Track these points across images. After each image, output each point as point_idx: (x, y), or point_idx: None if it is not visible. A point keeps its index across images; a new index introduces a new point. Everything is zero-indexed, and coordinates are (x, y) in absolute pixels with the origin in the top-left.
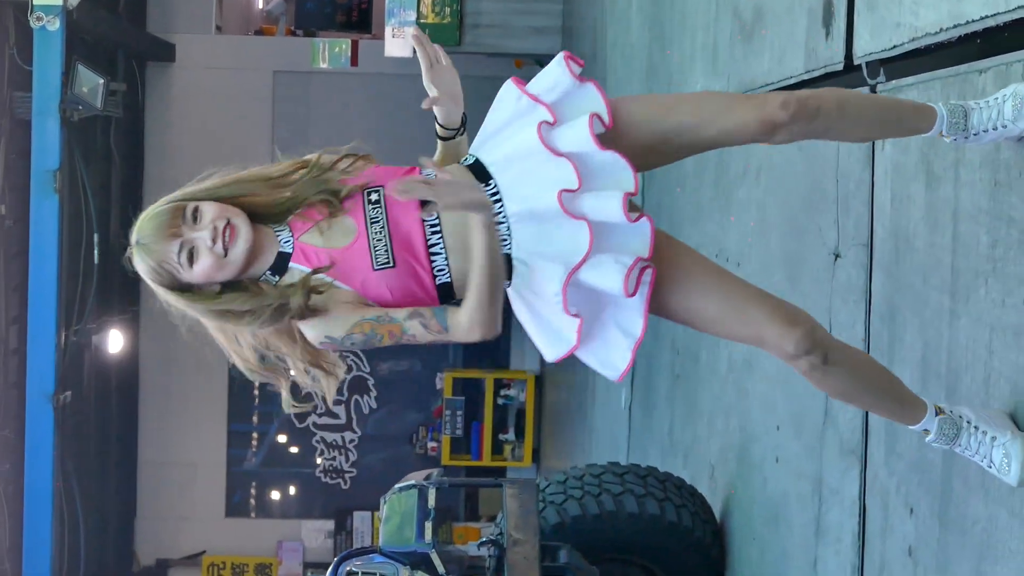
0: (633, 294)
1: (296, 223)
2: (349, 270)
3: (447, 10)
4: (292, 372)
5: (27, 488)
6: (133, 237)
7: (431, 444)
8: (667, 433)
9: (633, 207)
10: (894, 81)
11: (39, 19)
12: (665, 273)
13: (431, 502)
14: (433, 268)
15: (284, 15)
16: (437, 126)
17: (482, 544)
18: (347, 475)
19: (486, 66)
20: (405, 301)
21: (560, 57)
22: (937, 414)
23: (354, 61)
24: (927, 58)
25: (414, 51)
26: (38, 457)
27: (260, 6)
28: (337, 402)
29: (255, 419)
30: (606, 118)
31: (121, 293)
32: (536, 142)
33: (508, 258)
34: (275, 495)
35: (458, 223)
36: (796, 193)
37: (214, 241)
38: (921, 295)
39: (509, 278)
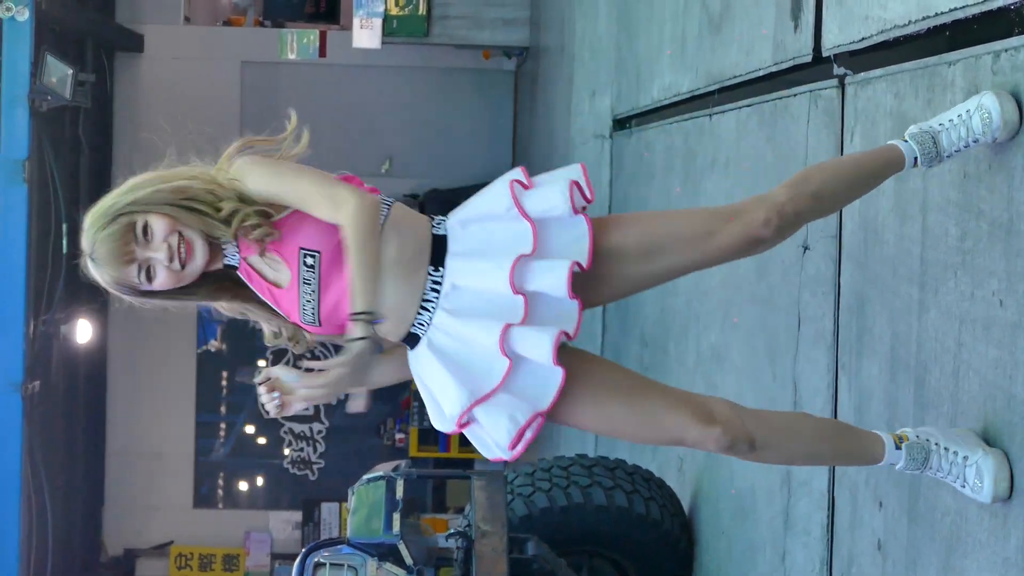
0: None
1: (243, 242)
2: (285, 308)
3: (415, 2)
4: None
5: None
6: (86, 248)
7: (399, 435)
8: None
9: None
10: (862, 74)
11: (8, 9)
12: (577, 389)
13: (399, 493)
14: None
15: (252, 6)
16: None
17: (450, 536)
18: (315, 466)
19: (454, 57)
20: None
21: (565, 187)
22: (898, 446)
23: (322, 52)
24: (895, 50)
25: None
26: (6, 447)
27: None
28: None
29: (223, 409)
30: (584, 262)
31: (90, 284)
32: (505, 281)
33: (415, 337)
34: (243, 486)
35: (390, 297)
36: (764, 184)
37: (171, 260)
38: (890, 287)
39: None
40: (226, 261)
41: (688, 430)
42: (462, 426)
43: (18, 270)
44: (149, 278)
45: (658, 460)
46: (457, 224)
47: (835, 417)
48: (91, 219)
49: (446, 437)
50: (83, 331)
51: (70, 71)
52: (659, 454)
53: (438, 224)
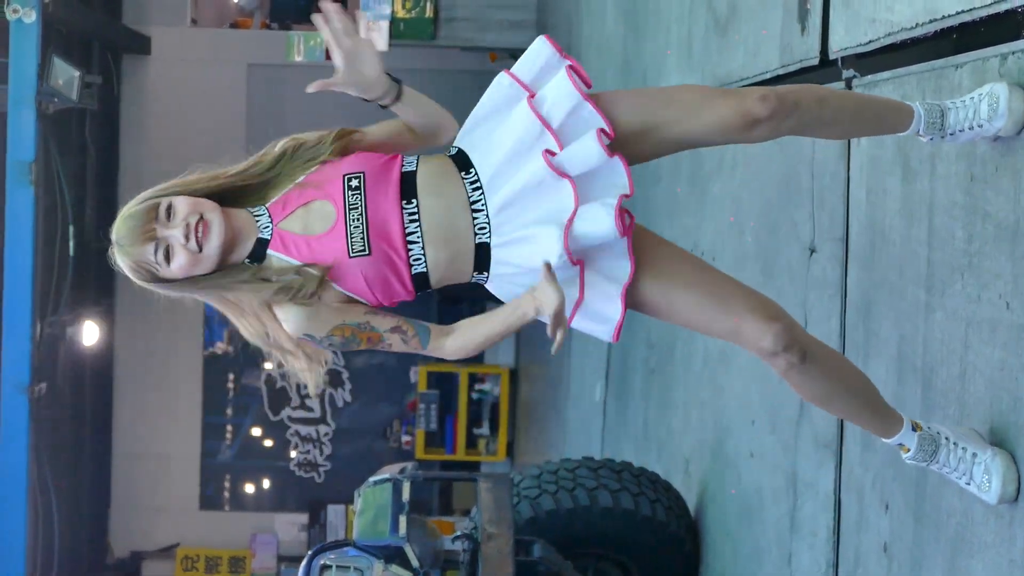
0: (625, 234)
1: (275, 208)
2: (326, 256)
3: (421, 4)
4: (276, 353)
5: (1, 479)
6: (113, 236)
7: (405, 438)
8: (641, 427)
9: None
10: (869, 76)
11: (15, 11)
12: (645, 262)
13: (405, 496)
14: (410, 257)
15: (259, 8)
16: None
17: (456, 538)
18: (321, 468)
19: (461, 60)
20: (381, 291)
21: (564, 70)
22: (914, 430)
23: (329, 55)
24: (903, 53)
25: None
26: (12, 449)
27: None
28: (311, 395)
29: (229, 412)
30: (609, 132)
31: (96, 285)
32: (540, 164)
33: (486, 247)
34: (249, 488)
35: (437, 213)
36: (771, 187)
37: (187, 238)
38: (897, 289)
39: (485, 270)
40: (259, 235)
41: (750, 320)
42: (576, 262)
43: (25, 272)
44: (167, 259)
45: (664, 462)
46: (466, 135)
47: (842, 420)
48: (124, 208)
49: (453, 440)
50: (90, 333)
51: (77, 73)
52: (665, 456)
53: (448, 150)
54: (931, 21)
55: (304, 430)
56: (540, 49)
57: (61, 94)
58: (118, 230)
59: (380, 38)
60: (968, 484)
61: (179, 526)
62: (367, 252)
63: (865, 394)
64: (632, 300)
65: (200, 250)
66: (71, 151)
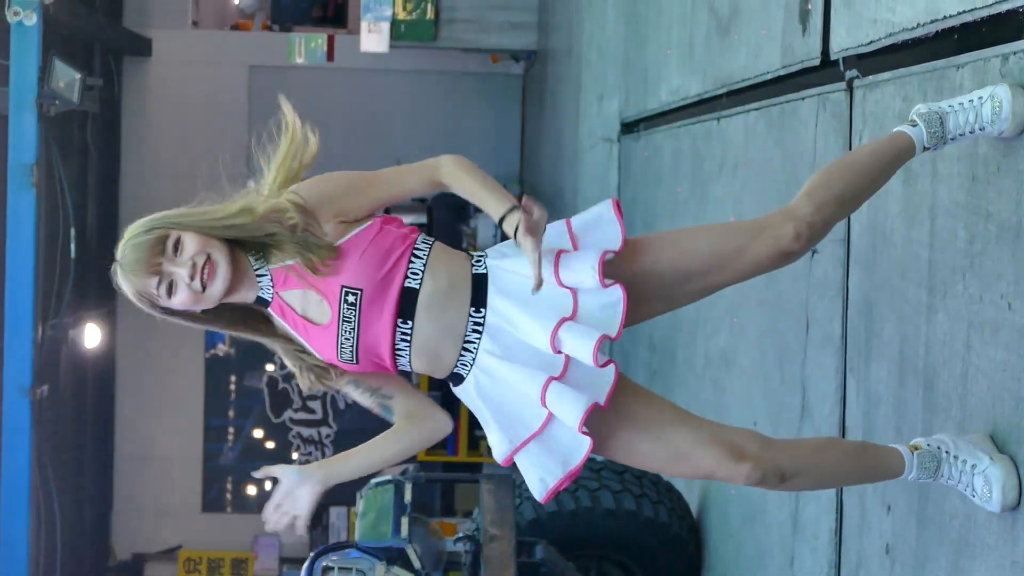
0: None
1: (277, 275)
2: (319, 345)
3: (422, 6)
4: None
5: (3, 482)
6: (117, 256)
7: None
8: None
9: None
10: (871, 76)
11: (16, 14)
12: (609, 425)
13: (407, 497)
14: (396, 364)
15: (260, 11)
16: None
17: (458, 540)
18: None
19: (462, 61)
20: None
21: (595, 261)
22: (913, 452)
23: (330, 56)
24: (904, 53)
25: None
26: (14, 451)
27: (236, 2)
28: (313, 397)
29: (231, 414)
30: (614, 334)
31: (98, 288)
32: (546, 340)
33: (460, 377)
34: (251, 490)
35: (429, 338)
36: (773, 188)
37: (192, 278)
38: (898, 291)
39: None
40: (259, 294)
41: (718, 467)
42: (508, 463)
43: (26, 274)
44: (169, 293)
45: None
46: (497, 265)
47: (844, 422)
48: (131, 228)
49: (455, 441)
50: (91, 335)
51: (78, 75)
52: None
53: (478, 262)
54: (932, 21)
55: (306, 432)
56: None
57: (62, 96)
58: (124, 254)
59: (381, 40)
60: (972, 496)
61: (181, 528)
62: (355, 362)
63: (859, 463)
64: (598, 447)
65: (203, 291)
66: (72, 153)
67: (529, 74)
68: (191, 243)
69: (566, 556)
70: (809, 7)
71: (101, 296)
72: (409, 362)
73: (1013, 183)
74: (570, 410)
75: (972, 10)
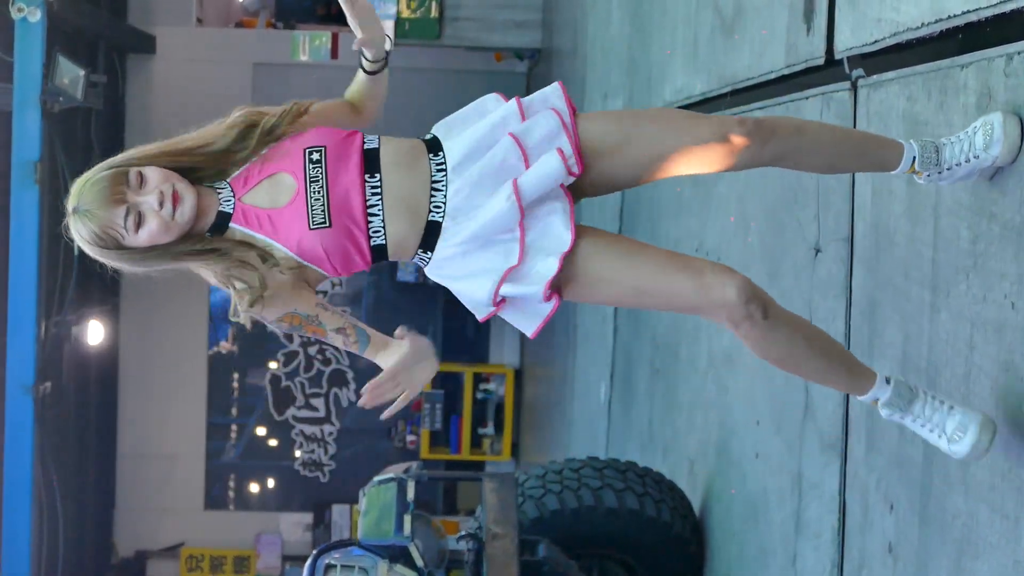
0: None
1: (237, 183)
2: (287, 229)
3: (427, 4)
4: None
5: (6, 479)
6: (71, 205)
7: (410, 438)
8: (646, 427)
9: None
10: (875, 76)
11: (20, 10)
12: (593, 235)
13: (410, 495)
14: (369, 230)
15: (264, 8)
16: (364, 61)
17: (461, 538)
18: (326, 468)
19: (466, 60)
20: (340, 261)
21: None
22: (888, 382)
23: (334, 54)
24: (908, 53)
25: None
26: (17, 448)
27: None
28: (315, 395)
29: (234, 411)
30: (573, 165)
31: (101, 285)
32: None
33: (437, 226)
34: (254, 488)
35: (401, 188)
36: (776, 187)
37: (161, 205)
38: (902, 290)
39: (430, 249)
40: (220, 208)
41: (709, 275)
42: (498, 304)
43: (29, 271)
44: (137, 225)
45: (669, 463)
46: (443, 127)
47: (847, 421)
48: (82, 178)
49: (458, 440)
50: (94, 332)
51: (82, 72)
52: (670, 456)
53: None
54: (937, 21)
55: (309, 429)
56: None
57: (66, 93)
58: (81, 196)
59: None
60: (940, 437)
61: (184, 526)
62: (327, 224)
63: (833, 353)
64: (580, 273)
65: (173, 217)
66: (76, 150)
67: (533, 72)
68: (154, 175)
69: (568, 554)
70: (814, 5)
71: (104, 293)
72: (383, 223)
73: (1016, 183)
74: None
75: (976, 10)
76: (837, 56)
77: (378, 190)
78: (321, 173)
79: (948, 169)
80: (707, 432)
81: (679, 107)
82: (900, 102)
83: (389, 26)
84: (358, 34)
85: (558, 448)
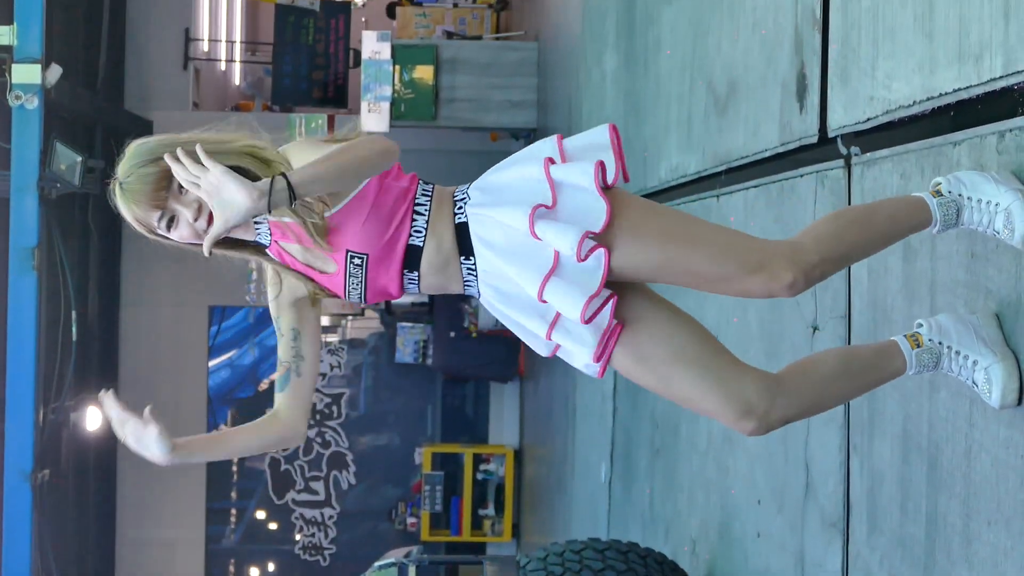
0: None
1: (276, 228)
2: (325, 282)
3: (422, 87)
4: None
5: (5, 568)
6: (120, 174)
7: (410, 519)
8: (647, 507)
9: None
10: (868, 154)
11: (17, 97)
12: (632, 338)
13: None
14: (404, 292)
15: (260, 92)
16: None
17: None
18: (326, 552)
19: (461, 140)
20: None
21: (590, 167)
22: (914, 348)
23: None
24: (901, 130)
25: (390, 126)
26: (16, 536)
27: (237, 83)
28: (315, 478)
29: (234, 495)
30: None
31: (99, 370)
32: (525, 222)
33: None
34: (254, 572)
35: (434, 283)
36: None
37: (195, 219)
38: None
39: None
40: (258, 239)
41: (722, 416)
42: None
43: (28, 357)
44: (169, 227)
45: (671, 543)
46: (476, 213)
47: (848, 499)
48: (135, 149)
49: (458, 522)
50: (93, 418)
51: (79, 158)
52: (671, 537)
53: (459, 210)
54: (928, 99)
55: (309, 513)
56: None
57: (63, 179)
58: (127, 178)
59: (381, 119)
60: (974, 387)
61: None
62: (363, 302)
63: (855, 376)
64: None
65: (206, 231)
66: (74, 236)
67: None
68: None
69: None
70: (806, 82)
71: (103, 378)
72: (418, 287)
73: (1012, 260)
74: (571, 304)
75: (967, 88)
76: (831, 134)
77: (415, 283)
78: (361, 273)
79: (963, 224)
80: (708, 511)
81: (676, 185)
82: (894, 179)
83: (385, 108)
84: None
85: (559, 528)
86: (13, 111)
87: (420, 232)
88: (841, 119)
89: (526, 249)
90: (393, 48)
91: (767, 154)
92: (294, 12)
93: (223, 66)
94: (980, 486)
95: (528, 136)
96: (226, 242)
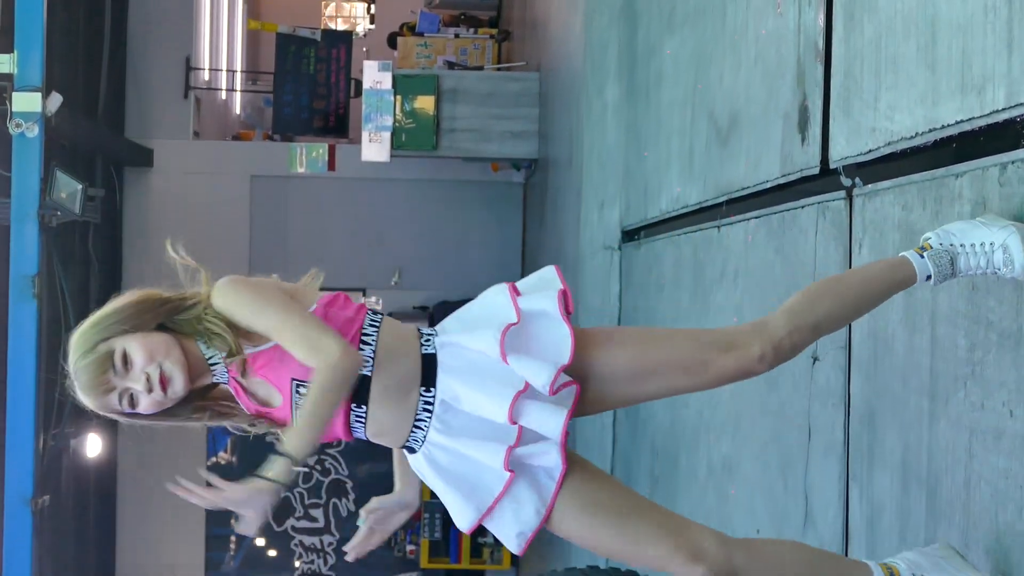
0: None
1: (231, 366)
2: (276, 420)
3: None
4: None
5: None
6: (70, 370)
7: (410, 547)
8: None
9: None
10: (870, 185)
11: (18, 126)
12: (568, 500)
13: None
14: (351, 434)
15: (260, 122)
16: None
17: None
18: None
19: (462, 170)
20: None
21: (553, 295)
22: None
23: (331, 165)
24: (903, 162)
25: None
26: (16, 562)
27: (237, 112)
28: (315, 505)
29: (233, 522)
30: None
31: None
32: (504, 413)
33: (412, 450)
34: None
35: (383, 422)
36: (774, 295)
37: (149, 390)
38: (900, 398)
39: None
40: (215, 379)
41: (672, 564)
42: (472, 529)
43: (28, 385)
44: (132, 404)
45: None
46: (445, 343)
47: (847, 529)
48: (73, 343)
49: (457, 549)
50: (93, 445)
51: (80, 186)
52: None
53: (426, 341)
54: (931, 131)
55: (308, 540)
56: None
57: (64, 207)
58: (75, 372)
59: (382, 149)
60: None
61: None
62: None
63: (815, 569)
64: (554, 526)
65: (165, 395)
66: (74, 263)
67: (530, 182)
68: (138, 354)
69: None
70: (779, 11)
71: None
72: (364, 433)
73: (1012, 292)
74: (547, 421)
75: (970, 119)
76: (832, 165)
77: (362, 419)
78: None
79: (963, 275)
80: None
81: (677, 216)
82: (895, 211)
83: (386, 137)
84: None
85: (558, 556)
86: (14, 139)
87: (368, 362)
88: (843, 150)
89: (495, 372)
90: (394, 78)
91: (768, 185)
92: (295, 41)
93: (224, 95)
94: (979, 517)
95: (529, 167)
96: (192, 400)
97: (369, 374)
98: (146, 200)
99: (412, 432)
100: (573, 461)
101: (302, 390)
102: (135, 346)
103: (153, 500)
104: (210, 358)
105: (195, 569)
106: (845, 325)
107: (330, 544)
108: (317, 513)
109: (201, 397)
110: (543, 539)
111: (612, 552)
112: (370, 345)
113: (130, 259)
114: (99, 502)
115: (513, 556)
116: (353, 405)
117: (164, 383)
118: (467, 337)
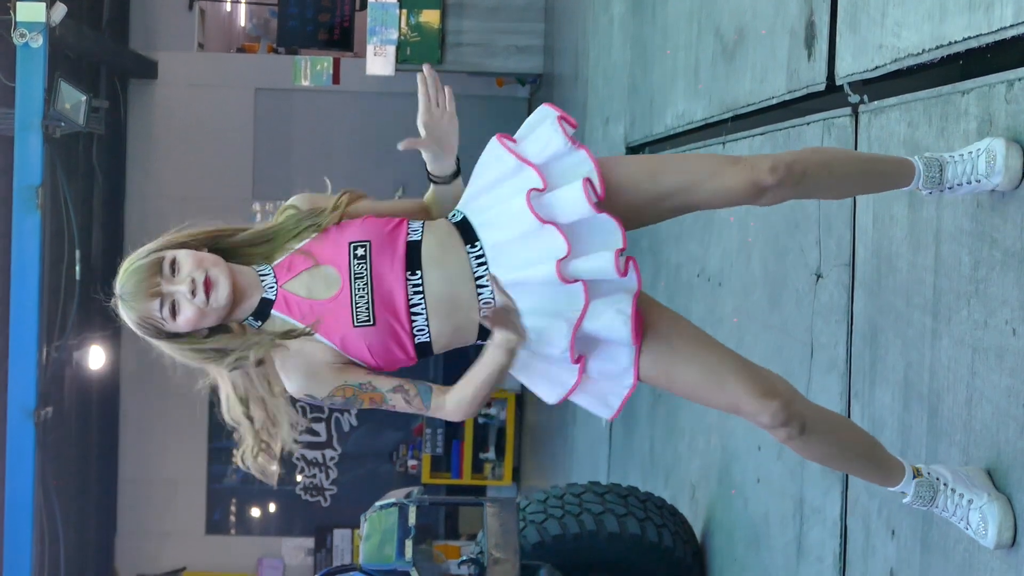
0: (637, 340)
1: (280, 269)
2: (331, 324)
3: (428, 30)
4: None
5: (7, 504)
6: (116, 288)
7: (411, 462)
8: (648, 452)
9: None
10: (876, 102)
11: (22, 36)
12: (648, 340)
13: (411, 520)
14: (413, 328)
15: (265, 34)
16: (427, 170)
17: (462, 563)
18: (327, 493)
19: (467, 85)
20: (384, 358)
21: (552, 118)
22: (915, 476)
23: (336, 79)
24: (909, 79)
25: (396, 70)
26: (18, 473)
27: (242, 24)
28: (317, 419)
29: (235, 436)
30: (598, 186)
31: (103, 309)
32: (525, 210)
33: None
34: (255, 512)
35: (441, 286)
36: (778, 213)
37: (193, 294)
38: (903, 316)
39: (483, 338)
40: (263, 295)
41: (747, 398)
42: (577, 360)
43: (31, 296)
44: (173, 313)
45: (671, 487)
46: (470, 202)
47: None
48: (126, 260)
49: (459, 464)
50: (96, 357)
51: (84, 97)
52: (671, 481)
53: (452, 215)
54: (938, 47)
55: (310, 454)
56: (551, 138)
57: (68, 118)
58: (122, 284)
59: (387, 63)
60: (967, 528)
61: (185, 550)
62: (372, 323)
63: (868, 453)
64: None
65: (207, 303)
66: (78, 175)
67: (535, 97)
68: (186, 260)
69: None
70: (814, 29)
71: (105, 318)
72: (427, 321)
73: (1018, 210)
74: (615, 318)
75: (977, 36)
76: (838, 82)
77: (420, 288)
78: (365, 270)
79: (950, 188)
80: (709, 457)
81: (682, 132)
82: (901, 128)
83: (391, 51)
84: (421, 133)
85: (560, 473)
86: (17, 49)
87: (417, 230)
88: (849, 67)
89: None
90: None
91: (774, 101)
92: None
93: (228, 7)
94: (980, 435)
95: (534, 82)
96: (217, 330)
97: (419, 239)
98: (150, 112)
99: (479, 292)
100: (644, 304)
101: (359, 251)
102: (184, 253)
103: (156, 413)
104: (260, 269)
105: (197, 482)
106: (849, 186)
107: (332, 459)
108: (319, 427)
109: (235, 341)
110: (543, 455)
111: (686, 388)
112: (417, 232)
113: (134, 171)
114: (101, 415)
115: (515, 471)
116: (408, 272)
117: (208, 288)
118: (494, 211)
